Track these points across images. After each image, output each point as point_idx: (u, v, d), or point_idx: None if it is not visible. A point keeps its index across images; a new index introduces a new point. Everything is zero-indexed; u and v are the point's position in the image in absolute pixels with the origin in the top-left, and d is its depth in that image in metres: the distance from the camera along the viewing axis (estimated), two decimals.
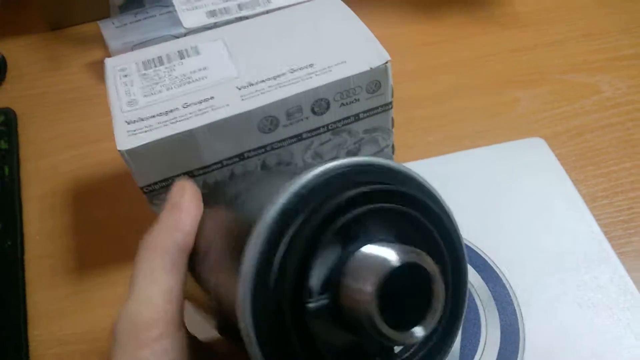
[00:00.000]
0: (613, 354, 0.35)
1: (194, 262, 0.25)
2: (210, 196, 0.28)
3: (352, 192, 0.19)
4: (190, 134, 0.36)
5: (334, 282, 0.19)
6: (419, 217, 0.21)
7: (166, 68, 0.40)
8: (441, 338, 0.21)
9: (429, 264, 0.19)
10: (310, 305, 0.18)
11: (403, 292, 0.19)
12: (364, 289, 0.18)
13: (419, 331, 0.18)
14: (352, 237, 0.20)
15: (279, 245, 0.19)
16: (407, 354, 0.20)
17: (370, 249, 0.19)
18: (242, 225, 0.21)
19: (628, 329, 0.36)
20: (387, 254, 0.18)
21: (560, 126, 0.53)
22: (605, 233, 0.42)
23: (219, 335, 0.28)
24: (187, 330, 0.24)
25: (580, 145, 0.51)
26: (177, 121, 0.36)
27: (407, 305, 0.19)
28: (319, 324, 0.19)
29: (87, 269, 0.46)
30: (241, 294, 0.18)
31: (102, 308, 0.43)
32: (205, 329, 0.28)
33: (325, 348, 0.19)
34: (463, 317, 0.22)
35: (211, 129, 0.36)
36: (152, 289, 0.23)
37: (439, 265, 0.19)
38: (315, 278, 0.19)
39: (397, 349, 0.21)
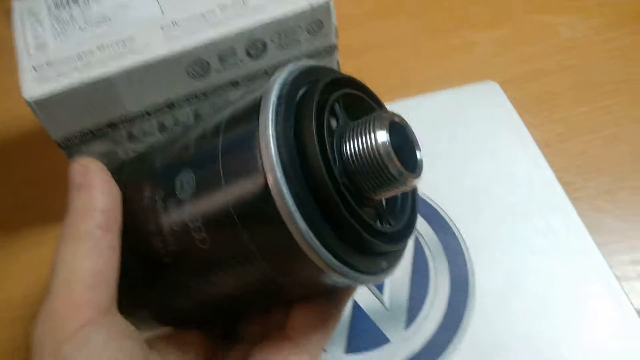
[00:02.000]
0: (563, 300, 0.34)
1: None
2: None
3: (336, 75, 0.23)
4: (106, 81, 0.33)
5: (343, 147, 0.22)
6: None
7: (80, 7, 0.36)
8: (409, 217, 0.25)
9: (409, 125, 0.23)
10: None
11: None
12: (378, 137, 0.21)
13: (417, 172, 0.22)
14: (335, 113, 0.23)
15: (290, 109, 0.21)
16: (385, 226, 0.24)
17: (364, 118, 0.22)
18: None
19: (579, 274, 0.35)
20: (382, 115, 0.22)
21: (517, 69, 0.50)
22: (559, 179, 0.40)
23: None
24: (122, 319, 0.22)
25: (537, 89, 0.48)
26: (91, 66, 0.33)
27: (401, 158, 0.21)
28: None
29: (8, 231, 0.43)
30: (266, 151, 0.19)
31: (27, 273, 0.40)
32: None
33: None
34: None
35: (131, 74, 0.33)
36: (72, 278, 0.21)
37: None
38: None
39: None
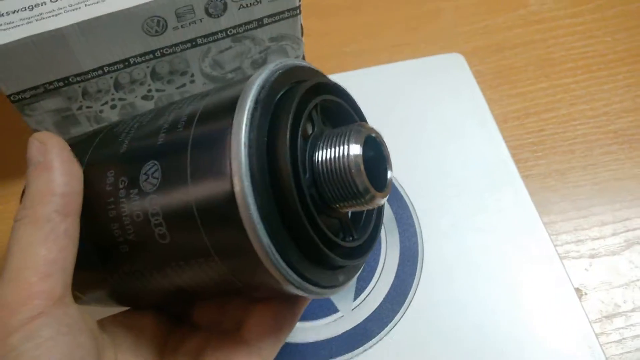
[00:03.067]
0: (506, 276, 0.35)
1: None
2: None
3: (316, 81, 0.23)
4: (59, 34, 0.31)
5: (316, 155, 0.22)
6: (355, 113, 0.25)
7: None
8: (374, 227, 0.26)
9: (385, 143, 0.23)
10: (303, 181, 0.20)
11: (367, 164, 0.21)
12: (351, 150, 0.21)
13: (385, 191, 0.22)
14: (312, 119, 0.22)
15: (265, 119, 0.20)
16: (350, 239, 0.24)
17: (342, 127, 0.22)
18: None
19: (525, 251, 0.36)
20: (360, 128, 0.22)
21: (481, 41, 0.50)
22: (513, 155, 0.41)
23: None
24: (75, 308, 0.21)
25: (499, 63, 0.49)
26: (43, 18, 0.31)
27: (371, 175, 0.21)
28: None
29: None
30: (236, 155, 0.19)
31: None
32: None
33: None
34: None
35: (84, 28, 0.32)
36: (26, 265, 0.20)
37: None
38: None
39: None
